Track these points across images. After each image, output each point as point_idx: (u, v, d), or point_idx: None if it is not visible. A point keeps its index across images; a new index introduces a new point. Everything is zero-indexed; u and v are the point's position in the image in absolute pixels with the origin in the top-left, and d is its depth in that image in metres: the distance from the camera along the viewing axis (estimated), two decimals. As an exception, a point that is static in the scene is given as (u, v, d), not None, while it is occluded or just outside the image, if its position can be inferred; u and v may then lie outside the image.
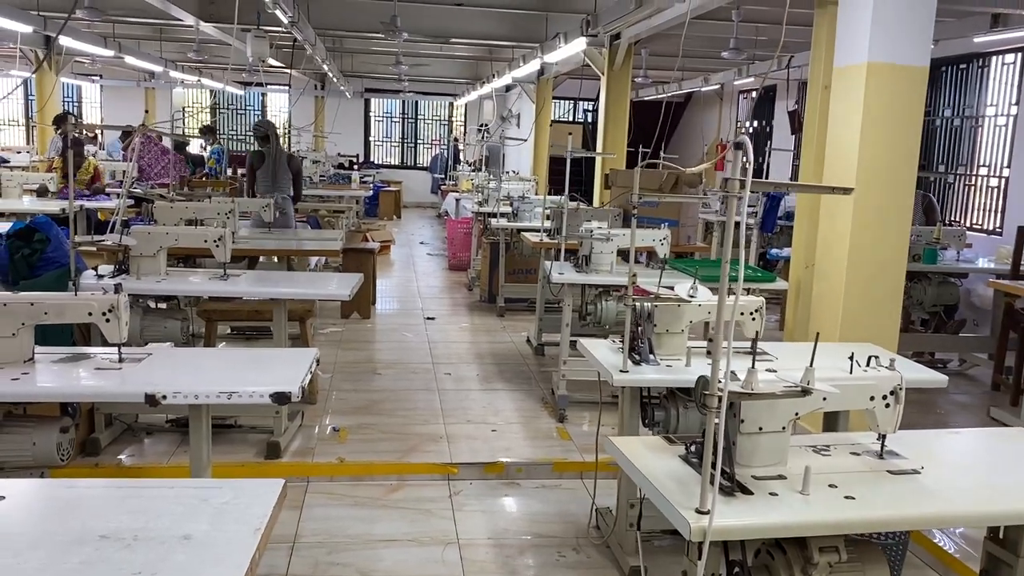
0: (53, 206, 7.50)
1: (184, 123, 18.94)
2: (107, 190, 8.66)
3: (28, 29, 7.65)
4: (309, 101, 18.97)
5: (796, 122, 10.76)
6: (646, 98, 15.53)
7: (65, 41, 8.55)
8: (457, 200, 11.31)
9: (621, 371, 3.21)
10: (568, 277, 4.87)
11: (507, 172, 11.47)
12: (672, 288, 3.47)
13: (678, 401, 3.33)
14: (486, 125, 14.78)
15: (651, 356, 3.34)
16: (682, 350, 3.44)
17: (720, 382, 1.98)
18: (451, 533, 3.61)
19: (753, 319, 3.54)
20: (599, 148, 9.34)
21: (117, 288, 3.05)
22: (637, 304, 3.38)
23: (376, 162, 19.69)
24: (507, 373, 5.97)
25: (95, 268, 4.25)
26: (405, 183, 19.10)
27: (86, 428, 4.20)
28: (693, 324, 3.48)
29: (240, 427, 4.58)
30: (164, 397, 2.75)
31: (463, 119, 19.98)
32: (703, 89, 13.35)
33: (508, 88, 14.57)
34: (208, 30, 8.94)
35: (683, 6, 5.92)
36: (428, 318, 7.66)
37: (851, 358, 2.44)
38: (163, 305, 4.66)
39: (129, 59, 10.43)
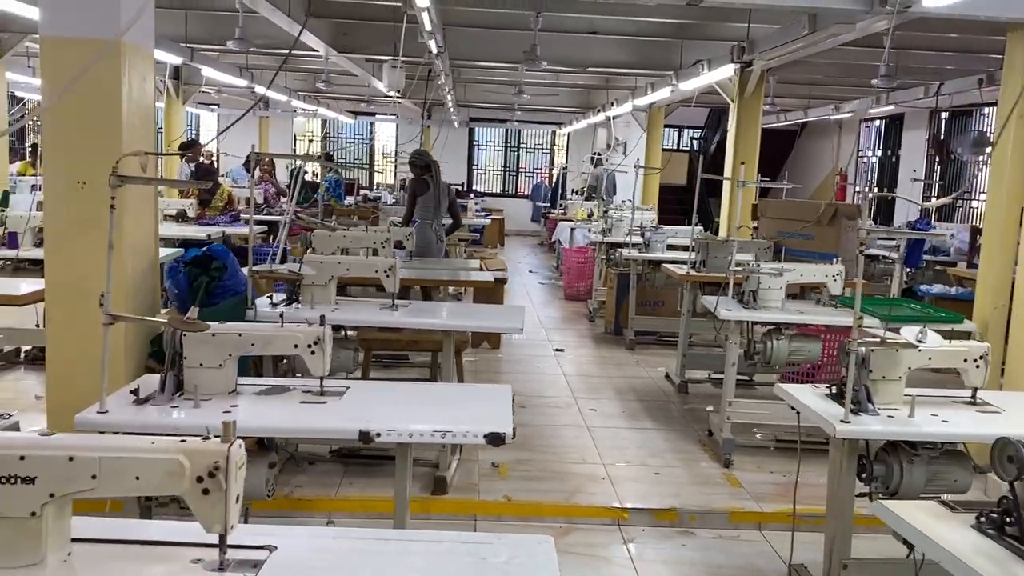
0: (192, 231, 7.71)
1: (294, 151, 19.51)
2: (242, 216, 8.85)
3: (178, 60, 7.92)
4: (414, 130, 19.29)
5: (943, 151, 10.23)
6: (764, 126, 15.15)
7: (207, 72, 8.84)
8: (572, 229, 11.18)
9: (843, 422, 2.97)
10: (736, 314, 4.64)
11: (624, 201, 11.30)
12: (898, 331, 3.21)
13: (901, 455, 3.07)
14: (598, 154, 14.66)
15: (870, 405, 3.09)
16: (899, 398, 3.17)
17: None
18: (639, 585, 3.41)
19: (977, 367, 3.26)
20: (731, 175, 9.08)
21: (321, 320, 2.99)
22: (856, 348, 3.14)
23: (479, 190, 19.80)
24: (653, 411, 5.74)
25: (269, 296, 4.25)
26: (506, 211, 19.14)
27: (254, 456, 4.17)
28: (911, 371, 3.22)
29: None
30: (378, 434, 2.66)
31: (565, 147, 19.94)
32: (832, 117, 12.88)
33: (614, 116, 14.45)
34: (338, 60, 9.11)
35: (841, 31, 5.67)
36: (557, 349, 7.50)
37: None
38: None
39: (259, 88, 10.73)
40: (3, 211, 5.70)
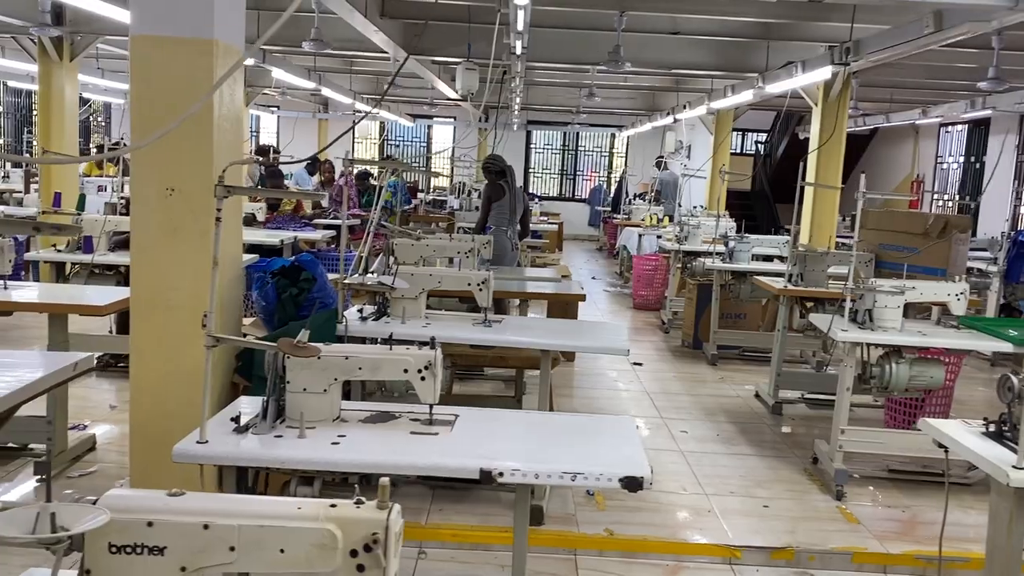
0: (262, 236, 7.56)
1: (353, 154, 19.46)
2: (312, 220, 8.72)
3: (250, 61, 7.80)
4: (471, 133, 19.11)
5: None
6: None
7: (278, 74, 8.72)
8: (640, 235, 10.83)
9: (1016, 468, 2.62)
10: (854, 335, 4.28)
11: (696, 207, 10.92)
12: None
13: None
14: (663, 157, 14.29)
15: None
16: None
17: None
18: (767, 638, 3.09)
19: None
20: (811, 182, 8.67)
21: (432, 342, 2.74)
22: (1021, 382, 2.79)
23: (535, 194, 19.55)
24: (749, 435, 5.40)
25: (360, 310, 4.03)
26: (563, 215, 18.84)
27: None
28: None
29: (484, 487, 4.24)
30: (501, 474, 2.40)
31: (624, 150, 19.57)
32: (917, 121, 12.30)
33: (682, 119, 14.07)
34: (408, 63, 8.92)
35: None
36: (635, 363, 7.19)
37: None
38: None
39: (326, 91, 10.61)
40: (79, 215, 5.58)
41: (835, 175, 8.60)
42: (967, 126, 12.89)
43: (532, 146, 19.83)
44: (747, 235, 7.32)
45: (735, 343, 7.48)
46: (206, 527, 1.35)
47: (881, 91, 11.07)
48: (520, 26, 4.63)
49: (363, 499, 1.44)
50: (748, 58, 8.30)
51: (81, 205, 6.02)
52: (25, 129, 14.65)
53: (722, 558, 3.73)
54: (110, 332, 5.85)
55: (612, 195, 16.67)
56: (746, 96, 8.46)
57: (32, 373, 2.59)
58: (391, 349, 2.73)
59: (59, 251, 5.67)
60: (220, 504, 1.41)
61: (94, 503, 1.34)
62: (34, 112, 16.58)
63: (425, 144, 19.84)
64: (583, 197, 19.58)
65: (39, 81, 8.62)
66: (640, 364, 7.19)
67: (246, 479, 2.66)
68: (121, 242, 5.81)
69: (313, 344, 2.50)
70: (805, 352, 7.27)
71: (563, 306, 6.93)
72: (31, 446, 4.27)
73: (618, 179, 16.63)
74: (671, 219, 12.07)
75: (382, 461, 2.45)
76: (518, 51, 5.68)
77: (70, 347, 5.46)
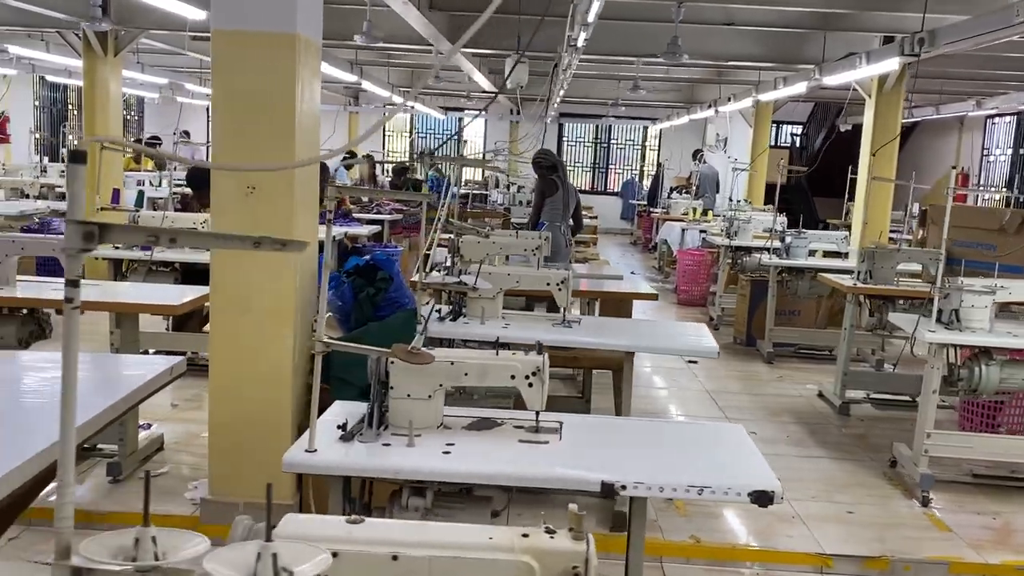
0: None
1: (384, 148, 19.43)
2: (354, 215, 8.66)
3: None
4: (502, 126, 18.99)
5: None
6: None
7: (326, 69, 8.64)
8: (684, 230, 10.68)
9: None
10: (941, 336, 4.14)
11: (739, 200, 10.76)
12: None
13: None
14: (703, 150, 14.10)
15: None
16: None
17: None
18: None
19: None
20: (864, 176, 8.49)
21: (539, 348, 2.65)
22: None
23: (568, 187, 19.40)
24: (819, 436, 5.27)
25: (438, 311, 3.94)
26: (595, 208, 18.69)
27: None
28: None
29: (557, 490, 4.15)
30: (623, 487, 2.31)
31: (658, 143, 19.37)
32: (969, 113, 12.03)
33: (721, 111, 13.87)
34: (449, 55, 8.81)
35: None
36: (690, 361, 7.06)
37: None
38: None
39: (366, 83, 10.54)
40: (137, 212, 5.53)
41: (889, 168, 8.42)
42: (1015, 117, 12.61)
43: (564, 139, 19.68)
44: (804, 230, 7.16)
45: (790, 340, 7.33)
46: (395, 558, 1.26)
47: (932, 82, 10.83)
48: (592, 17, 4.51)
49: (552, 528, 1.34)
50: (803, 49, 8.11)
51: (140, 202, 5.97)
52: (62, 124, 14.69)
53: (813, 567, 3.62)
54: (167, 330, 5.80)
55: (648, 189, 16.48)
56: (799, 88, 8.28)
57: (132, 379, 2.51)
58: (497, 354, 2.64)
59: (117, 248, 5.62)
60: (406, 533, 1.32)
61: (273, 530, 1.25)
62: (70, 107, 16.66)
63: (456, 138, 19.72)
64: (615, 191, 19.41)
65: (84, 76, 8.59)
66: (695, 362, 7.05)
67: (350, 488, 2.58)
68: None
69: (426, 351, 2.41)
70: (863, 350, 7.11)
71: (616, 304, 6.81)
72: (100, 446, 4.23)
73: (653, 172, 16.44)
74: (707, 213, 11.93)
75: (498, 472, 2.36)
76: (579, 44, 5.55)
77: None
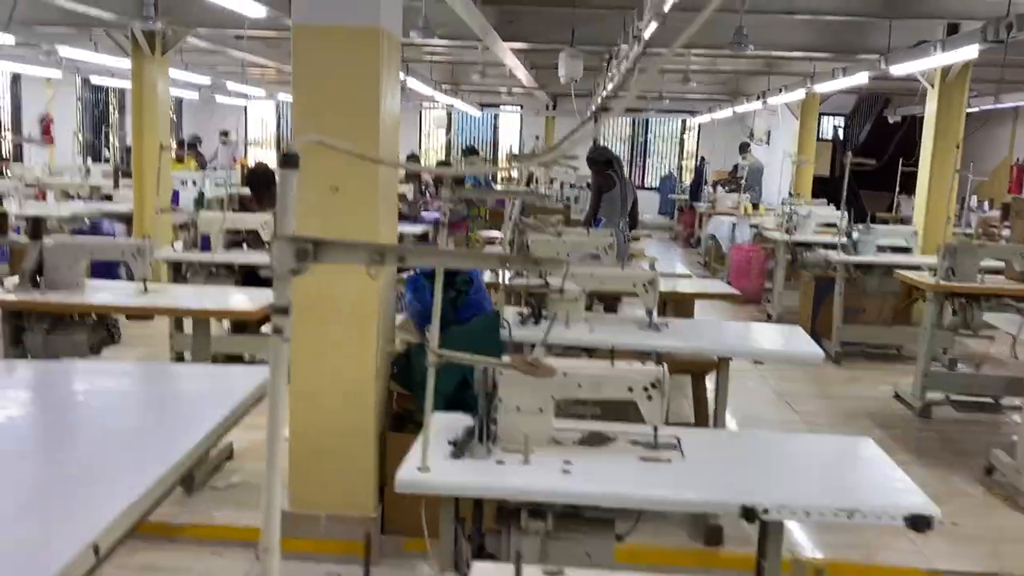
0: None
1: (421, 145, 19.32)
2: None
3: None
4: (538, 121, 18.81)
5: None
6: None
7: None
8: (734, 225, 10.44)
9: None
10: (1049, 338, 3.91)
11: (792, 194, 10.50)
12: None
13: None
14: (748, 143, 13.83)
15: None
16: None
17: None
18: None
19: None
20: (927, 170, 8.21)
21: (656, 357, 2.49)
22: None
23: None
24: (904, 442, 5.05)
25: (520, 313, 3.78)
26: (633, 204, 18.47)
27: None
28: None
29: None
30: (766, 511, 2.14)
31: (696, 137, 19.08)
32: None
33: (770, 103, 13.56)
34: (498, 51, 8.65)
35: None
36: (756, 362, 6.84)
37: None
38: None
39: (411, 80, 10.41)
40: (197, 213, 5.44)
41: (950, 160, 8.12)
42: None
43: (600, 133, 19.44)
44: (873, 225, 6.91)
45: (858, 339, 7.09)
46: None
47: (988, 70, 10.48)
48: (667, 7, 4.32)
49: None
50: (864, 38, 7.85)
51: (201, 202, 5.88)
52: (103, 125, 14.77)
53: (925, 584, 3.43)
54: (227, 332, 5.71)
55: (690, 183, 16.22)
56: (860, 78, 8.02)
57: (230, 393, 2.40)
58: (612, 364, 2.48)
59: (176, 250, 5.54)
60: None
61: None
62: (111, 108, 16.74)
63: (492, 132, 19.60)
64: (652, 185, 19.16)
65: (132, 76, 8.53)
66: (761, 363, 6.84)
67: (458, 507, 2.43)
68: (236, 240, 5.67)
69: (546, 363, 2.26)
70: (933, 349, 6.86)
71: (676, 304, 6.62)
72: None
73: (696, 166, 16.16)
74: (757, 207, 11.67)
75: (627, 494, 2.20)
76: (646, 36, 5.36)
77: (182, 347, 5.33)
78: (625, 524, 2.38)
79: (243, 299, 3.99)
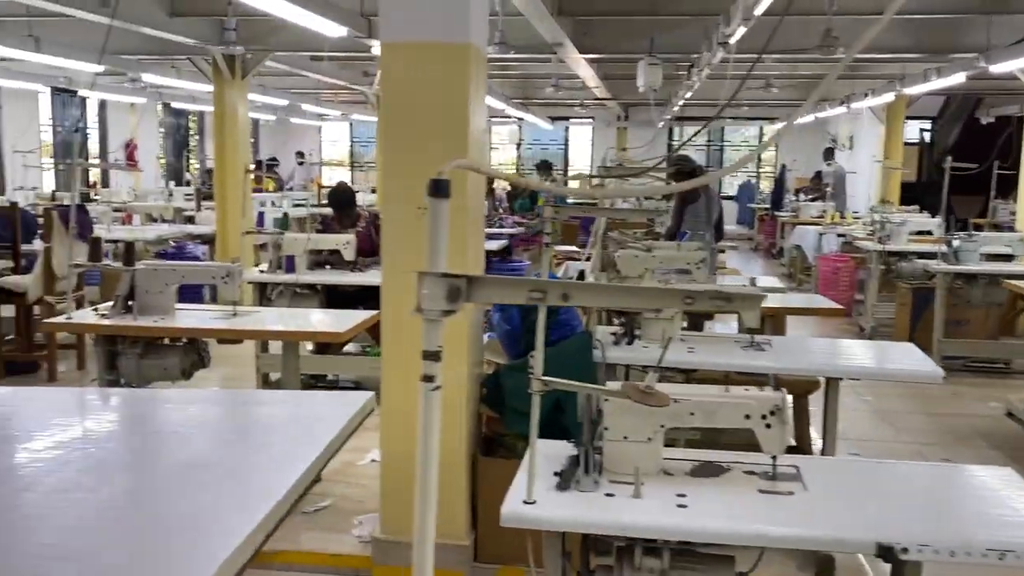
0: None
1: (489, 158, 19.35)
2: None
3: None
4: (609, 133, 18.62)
5: None
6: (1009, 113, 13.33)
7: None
8: (820, 234, 10.07)
9: None
10: None
11: (882, 202, 10.07)
12: None
13: None
14: (833, 149, 13.39)
15: None
16: None
17: None
18: None
19: None
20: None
21: (774, 383, 2.32)
22: None
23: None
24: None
25: (613, 334, 3.65)
26: (710, 214, 18.10)
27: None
28: None
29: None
30: (905, 550, 1.95)
31: (775, 145, 18.61)
32: None
33: (856, 108, 13.08)
34: (573, 63, 8.56)
35: None
36: (852, 378, 6.51)
37: None
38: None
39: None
40: (282, 233, 5.47)
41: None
42: None
43: (673, 143, 19.16)
44: (976, 233, 6.55)
45: (961, 353, 6.71)
46: None
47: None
48: (759, 10, 4.15)
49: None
50: (959, 37, 7.48)
51: (284, 224, 5.94)
52: (184, 149, 15.22)
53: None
54: (311, 352, 5.72)
55: (771, 192, 15.79)
56: (957, 78, 7.64)
57: (322, 420, 2.35)
58: (727, 391, 2.33)
59: (262, 271, 5.59)
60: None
61: None
62: (190, 132, 17.26)
63: (563, 145, 19.51)
64: (730, 194, 18.76)
65: (214, 100, 8.75)
66: (857, 379, 6.51)
67: (565, 542, 2.31)
68: (319, 260, 5.69)
69: (661, 391, 2.12)
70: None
71: (771, 319, 6.37)
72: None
73: (777, 174, 15.73)
74: (843, 215, 11.25)
75: (752, 531, 2.04)
76: (732, 40, 5.18)
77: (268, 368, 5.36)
78: (744, 560, 2.23)
79: (331, 320, 3.96)
